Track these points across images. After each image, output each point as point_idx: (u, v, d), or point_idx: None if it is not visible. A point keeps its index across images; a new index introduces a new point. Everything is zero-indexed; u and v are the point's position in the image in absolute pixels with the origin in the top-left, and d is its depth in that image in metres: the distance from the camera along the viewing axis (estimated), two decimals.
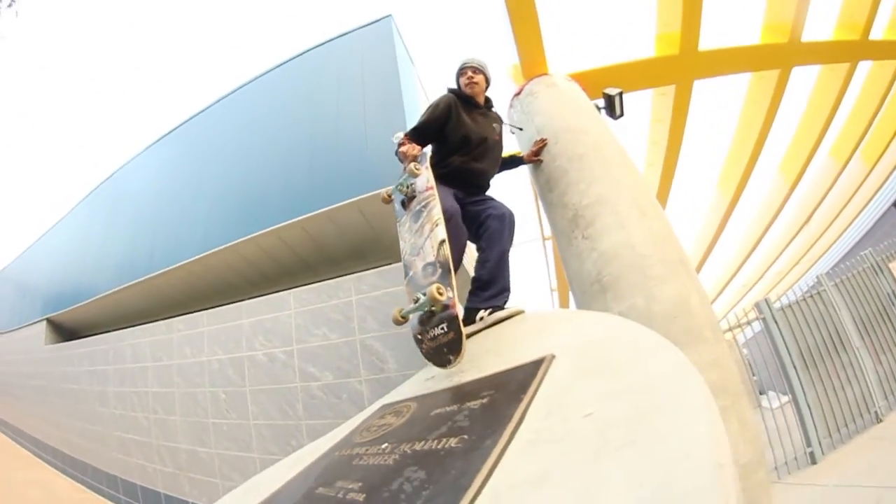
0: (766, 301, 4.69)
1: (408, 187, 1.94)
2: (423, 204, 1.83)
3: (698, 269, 9.64)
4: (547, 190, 2.84)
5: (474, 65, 2.36)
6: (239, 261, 4.91)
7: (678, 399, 0.65)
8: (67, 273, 8.61)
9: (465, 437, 0.88)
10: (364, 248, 4.52)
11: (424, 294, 1.49)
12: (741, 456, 1.78)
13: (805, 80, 5.40)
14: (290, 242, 4.54)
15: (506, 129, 2.74)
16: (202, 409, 4.76)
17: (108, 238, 7.48)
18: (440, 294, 1.44)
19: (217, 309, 4.69)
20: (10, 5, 9.00)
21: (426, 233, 1.74)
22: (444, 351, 1.49)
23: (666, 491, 0.49)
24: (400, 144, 2.14)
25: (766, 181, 7.34)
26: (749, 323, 4.88)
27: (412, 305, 1.57)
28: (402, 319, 1.62)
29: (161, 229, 6.02)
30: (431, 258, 1.64)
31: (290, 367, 4.06)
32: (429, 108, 2.30)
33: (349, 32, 5.24)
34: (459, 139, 2.22)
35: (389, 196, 2.08)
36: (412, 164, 1.94)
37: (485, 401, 1.02)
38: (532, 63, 3.33)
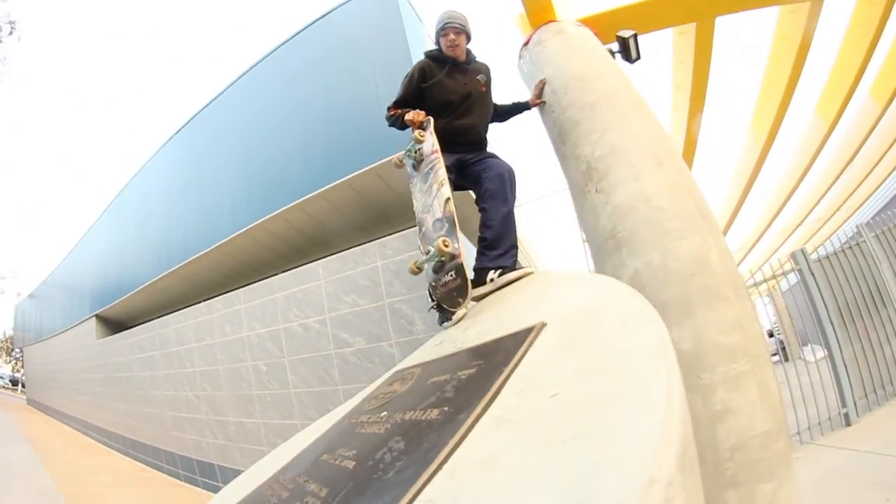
0: (803, 251, 4.39)
1: (416, 152, 2.03)
2: (430, 166, 1.94)
3: (731, 218, 9.24)
4: (560, 142, 2.75)
5: (456, 25, 2.29)
6: (268, 237, 5.06)
7: (640, 388, 0.62)
8: (109, 269, 9.06)
9: (446, 408, 0.91)
10: (387, 213, 4.58)
11: (433, 246, 1.69)
12: (759, 424, 1.69)
13: (839, 10, 4.93)
14: (314, 214, 4.65)
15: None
16: (246, 383, 5.02)
17: (143, 231, 7.82)
18: (446, 246, 1.66)
19: (252, 286, 4.88)
20: (10, 32, 9.35)
21: (434, 192, 1.87)
22: (454, 294, 1.69)
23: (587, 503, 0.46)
24: (390, 114, 2.25)
25: (802, 123, 6.80)
26: (785, 274, 4.67)
27: (424, 257, 1.74)
28: (417, 270, 1.78)
29: (191, 216, 6.25)
30: (440, 214, 1.79)
31: (324, 335, 4.21)
32: (404, 79, 2.32)
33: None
34: (440, 103, 2.24)
35: (401, 161, 2.16)
36: (417, 132, 2.01)
37: (472, 371, 1.04)
38: (538, 10, 3.18)
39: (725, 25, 4.22)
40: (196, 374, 5.80)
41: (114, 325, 9.32)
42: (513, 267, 1.91)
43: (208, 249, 5.46)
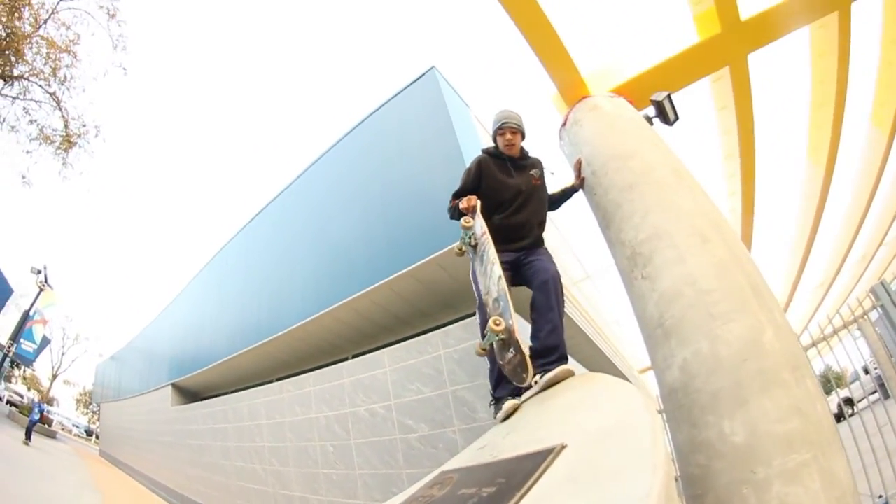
0: (883, 284, 4.01)
1: (470, 238, 2.16)
2: (483, 248, 2.07)
3: (804, 258, 8.54)
4: (605, 226, 2.66)
5: (512, 125, 2.40)
6: (336, 324, 5.39)
7: None
8: (187, 342, 9.81)
9: None
10: (450, 299, 4.75)
11: (487, 328, 1.83)
12: None
13: (870, 12, 4.64)
14: (380, 303, 4.91)
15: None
16: (313, 461, 5.20)
17: (221, 310, 8.49)
18: (497, 325, 1.77)
19: (321, 370, 5.15)
20: (96, 135, 10.97)
21: (489, 272, 2.00)
22: (518, 371, 1.80)
23: None
24: (450, 205, 2.40)
25: (860, 139, 6.34)
26: (865, 314, 4.27)
27: (484, 340, 1.89)
28: (482, 351, 1.91)
29: (265, 300, 6.77)
30: (495, 293, 1.93)
31: (389, 420, 4.35)
32: (464, 173, 2.48)
33: (399, 93, 5.55)
34: (496, 199, 2.37)
35: (461, 249, 2.23)
36: (463, 219, 2.15)
37: (493, 490, 1.12)
38: (571, 86, 3.20)
39: (759, 61, 4.08)
40: (265, 448, 6.07)
41: (189, 394, 9.95)
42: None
43: (281, 333, 5.87)
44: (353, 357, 4.94)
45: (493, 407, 2.15)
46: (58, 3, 9.53)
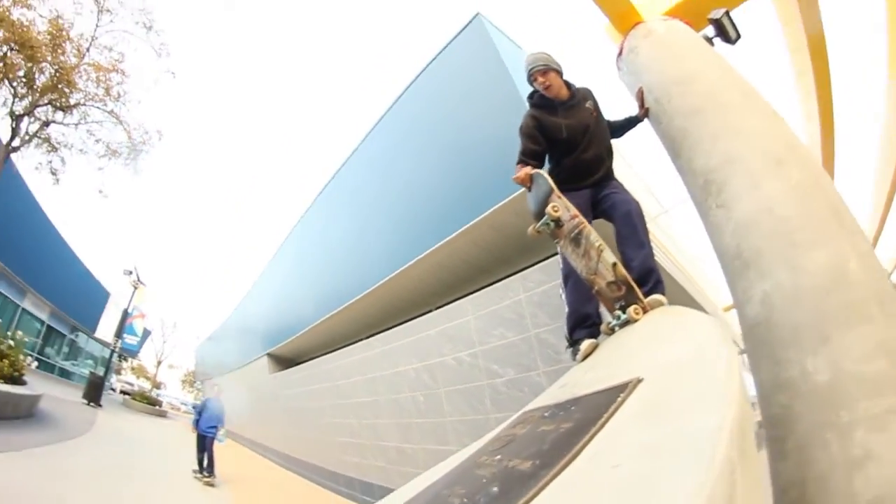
0: None
1: (552, 224, 2.05)
2: (576, 231, 2.00)
3: (894, 184, 7.50)
4: (674, 156, 2.55)
5: (539, 67, 2.30)
6: (416, 279, 5.60)
7: (679, 481, 0.67)
8: (278, 313, 10.66)
9: (537, 462, 1.01)
10: (527, 244, 4.67)
11: (624, 313, 1.91)
12: None
13: None
14: (458, 253, 5.02)
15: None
16: (405, 412, 5.55)
17: (304, 278, 9.11)
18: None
19: (406, 324, 5.43)
20: (160, 138, 11.95)
21: (594, 257, 1.96)
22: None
23: None
24: (516, 176, 2.25)
25: None
26: None
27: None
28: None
29: (345, 264, 7.16)
30: (611, 278, 1.93)
31: (475, 367, 4.52)
32: (519, 134, 2.36)
33: (450, 43, 5.47)
34: (561, 145, 2.31)
35: (538, 231, 2.13)
36: (550, 207, 2.02)
37: (570, 425, 1.15)
38: (621, 16, 3.01)
39: None
40: (359, 404, 6.55)
41: (284, 361, 10.87)
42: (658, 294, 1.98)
43: (363, 294, 6.22)
44: (437, 308, 5.13)
45: (570, 350, 2.16)
46: (95, 29, 10.52)
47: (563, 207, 1.99)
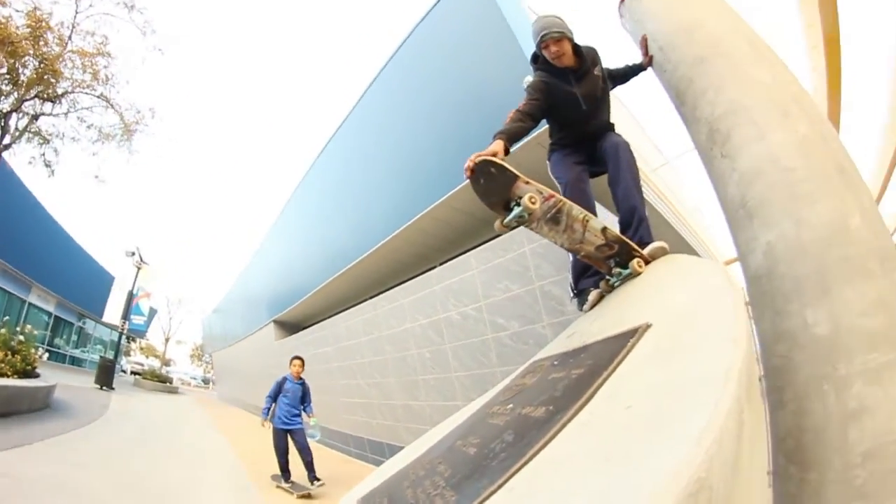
0: None
1: (524, 216, 1.81)
2: (554, 210, 1.83)
3: None
4: (679, 104, 2.52)
5: (554, 34, 2.15)
6: (420, 235, 5.59)
7: (690, 418, 0.68)
8: (281, 279, 10.70)
9: (551, 407, 1.03)
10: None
11: (624, 270, 1.87)
12: None
13: None
14: (460, 207, 4.98)
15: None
16: (412, 369, 5.64)
17: (308, 242, 9.08)
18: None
19: (410, 282, 5.44)
20: (153, 116, 11.79)
21: (579, 229, 1.86)
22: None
23: None
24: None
25: None
26: None
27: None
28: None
29: (348, 224, 7.13)
30: (601, 241, 1.87)
31: (480, 321, 4.56)
32: (528, 90, 2.20)
33: None
34: (568, 113, 2.24)
35: (505, 226, 1.89)
36: (527, 198, 1.75)
37: (582, 371, 1.16)
38: None
39: None
40: (366, 364, 6.66)
41: (290, 327, 11.00)
42: (646, 239, 1.97)
43: (367, 254, 6.22)
44: (441, 264, 5.14)
45: (575, 300, 2.15)
46: (75, 16, 10.25)
47: (536, 193, 1.78)
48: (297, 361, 5.44)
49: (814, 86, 5.59)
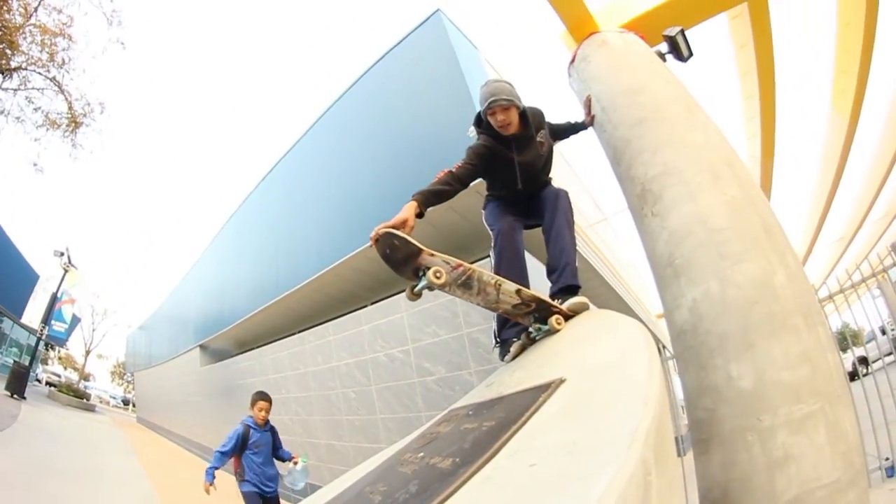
0: None
1: (432, 287, 1.77)
2: (464, 277, 1.79)
3: (825, 209, 8.24)
4: (615, 163, 2.59)
5: (502, 102, 2.06)
6: (352, 272, 5.48)
7: (591, 481, 0.67)
8: (211, 303, 10.11)
9: (457, 459, 1.02)
10: (464, 242, 4.77)
11: (544, 326, 1.83)
12: (826, 473, 1.47)
13: None
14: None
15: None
16: (336, 409, 5.41)
17: (239, 270, 8.68)
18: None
19: (340, 319, 5.29)
20: (101, 112, 11.12)
21: (492, 292, 1.83)
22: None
23: None
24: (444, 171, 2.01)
25: (888, 88, 6.03)
26: (885, 271, 4.19)
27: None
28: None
29: (282, 255, 6.89)
30: (517, 301, 1.83)
31: (407, 364, 4.48)
32: (468, 152, 2.13)
33: (405, 38, 5.33)
34: (505, 177, 2.21)
35: (416, 294, 1.83)
36: (431, 273, 1.70)
37: (492, 424, 1.16)
38: (579, 23, 3.03)
39: None
40: (291, 399, 6.33)
41: (216, 353, 10.34)
42: (571, 291, 1.94)
43: (299, 286, 6.01)
44: (372, 304, 5.02)
45: (497, 349, 2.11)
46: None
47: (442, 265, 1.75)
48: (263, 403, 3.75)
49: (750, 154, 6.02)
